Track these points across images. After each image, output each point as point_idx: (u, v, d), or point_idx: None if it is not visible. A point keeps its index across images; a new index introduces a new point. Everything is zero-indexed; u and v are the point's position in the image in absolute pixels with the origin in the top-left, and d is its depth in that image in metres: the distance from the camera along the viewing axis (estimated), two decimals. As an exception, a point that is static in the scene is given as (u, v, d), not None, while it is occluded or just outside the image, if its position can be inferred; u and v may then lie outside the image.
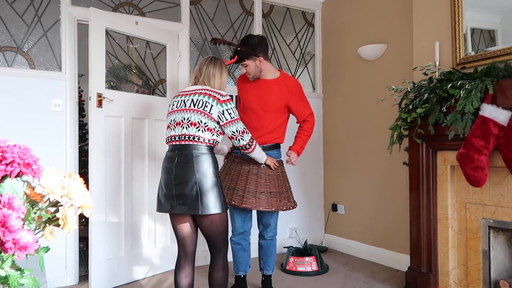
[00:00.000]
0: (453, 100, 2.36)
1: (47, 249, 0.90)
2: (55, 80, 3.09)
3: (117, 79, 3.49)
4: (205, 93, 2.18)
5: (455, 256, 2.62)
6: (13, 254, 0.78)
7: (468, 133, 2.28)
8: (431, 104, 2.49)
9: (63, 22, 3.11)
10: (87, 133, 3.82)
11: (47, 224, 0.88)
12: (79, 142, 3.44)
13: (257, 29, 3.98)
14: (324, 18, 4.36)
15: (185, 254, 2.23)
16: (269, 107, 2.65)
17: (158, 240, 3.37)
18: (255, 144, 2.33)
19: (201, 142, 2.13)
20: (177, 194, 2.10)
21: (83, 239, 3.80)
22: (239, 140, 2.24)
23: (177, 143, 2.17)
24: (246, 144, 2.27)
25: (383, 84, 3.46)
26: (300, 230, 4.14)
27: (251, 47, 2.57)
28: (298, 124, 2.80)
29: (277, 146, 2.75)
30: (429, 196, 2.69)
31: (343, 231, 4.06)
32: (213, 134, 2.16)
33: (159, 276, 3.30)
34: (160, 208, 2.21)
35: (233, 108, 2.19)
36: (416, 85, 2.63)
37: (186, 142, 2.14)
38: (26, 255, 0.79)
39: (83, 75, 3.63)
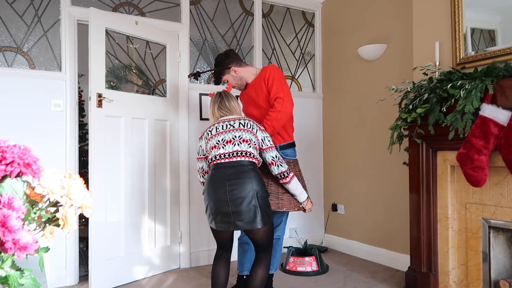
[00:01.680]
0: (453, 100, 2.36)
1: (47, 249, 0.90)
2: (55, 80, 3.09)
3: (117, 79, 3.50)
4: (247, 119, 2.34)
5: (455, 256, 2.62)
6: (13, 254, 0.78)
7: (468, 133, 2.28)
8: (431, 104, 2.48)
9: (63, 22, 3.11)
10: (87, 133, 3.82)
11: (47, 224, 0.88)
12: (79, 142, 3.44)
13: (257, 29, 3.98)
14: (324, 18, 4.36)
15: (225, 252, 2.38)
16: (258, 102, 2.69)
17: (158, 240, 3.37)
18: (293, 175, 2.37)
19: (252, 158, 2.23)
20: (234, 210, 2.14)
21: (83, 239, 3.80)
22: (278, 166, 2.31)
23: (228, 160, 2.21)
24: (285, 172, 2.33)
25: (383, 84, 3.47)
26: (300, 230, 4.14)
27: (220, 63, 2.74)
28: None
29: (291, 145, 2.75)
30: (429, 196, 2.69)
31: (343, 231, 4.06)
32: (258, 153, 2.29)
33: (159, 276, 3.30)
34: (218, 225, 2.23)
35: (270, 137, 2.36)
36: (416, 85, 2.63)
37: (239, 158, 2.20)
38: (26, 255, 0.79)
39: (83, 75, 3.63)
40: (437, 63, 2.68)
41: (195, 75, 2.89)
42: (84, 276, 3.22)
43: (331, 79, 4.25)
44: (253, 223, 2.15)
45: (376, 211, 3.68)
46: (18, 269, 0.84)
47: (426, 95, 2.51)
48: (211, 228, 2.32)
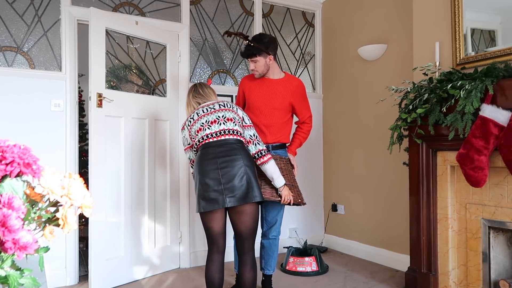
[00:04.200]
0: (453, 101, 2.36)
1: (47, 249, 0.90)
2: (55, 80, 3.09)
3: (117, 79, 3.49)
4: (225, 101, 2.37)
5: (455, 256, 2.62)
6: (13, 254, 0.78)
7: (468, 133, 2.28)
8: (431, 105, 2.48)
9: (63, 22, 3.11)
10: (87, 133, 3.82)
11: (47, 224, 0.88)
12: (79, 142, 3.45)
13: (257, 29, 3.97)
14: (324, 18, 4.36)
15: (218, 250, 2.28)
16: (276, 105, 2.70)
17: (158, 240, 3.37)
18: (270, 157, 2.34)
19: (238, 136, 2.25)
20: (227, 187, 2.12)
21: (83, 239, 3.80)
22: (255, 144, 2.31)
23: (215, 139, 2.22)
24: (262, 150, 2.31)
25: (383, 84, 3.46)
26: (300, 230, 4.14)
27: (264, 44, 2.63)
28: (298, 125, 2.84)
29: (283, 146, 2.78)
30: (429, 196, 2.69)
31: (343, 231, 4.06)
32: (244, 133, 2.31)
33: (159, 276, 3.30)
34: (206, 206, 2.15)
35: (248, 117, 2.41)
36: (416, 85, 2.63)
37: (226, 137, 2.22)
38: (26, 255, 0.79)
39: (83, 75, 3.63)
40: (437, 64, 2.68)
41: (231, 34, 2.67)
42: (84, 276, 3.22)
43: (331, 79, 4.25)
44: (245, 198, 2.13)
45: (376, 211, 3.68)
46: (18, 269, 0.84)
47: (426, 96, 2.51)
48: (202, 218, 2.24)
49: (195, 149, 2.35)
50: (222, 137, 2.21)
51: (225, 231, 2.30)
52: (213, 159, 2.16)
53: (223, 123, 2.24)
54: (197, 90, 2.45)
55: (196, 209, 2.24)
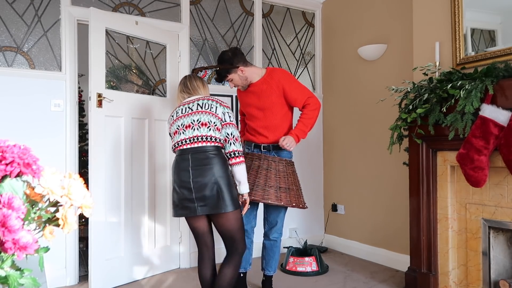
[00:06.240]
0: (453, 100, 2.36)
1: (47, 249, 0.89)
2: (55, 80, 3.09)
3: (117, 79, 3.49)
4: (208, 98, 2.29)
5: (455, 256, 2.62)
6: (13, 254, 0.78)
7: (468, 133, 2.28)
8: (431, 104, 2.48)
9: (63, 22, 3.11)
10: (87, 133, 3.82)
11: (47, 224, 0.88)
12: (79, 142, 3.44)
13: (257, 29, 3.98)
14: (324, 18, 4.36)
15: (207, 250, 2.30)
16: (264, 104, 2.70)
17: (158, 240, 3.37)
18: (242, 160, 2.28)
19: (213, 142, 2.19)
20: (198, 196, 2.13)
21: (83, 239, 3.80)
22: (230, 144, 2.24)
23: (189, 146, 2.19)
24: (236, 151, 2.24)
25: (383, 84, 3.46)
26: (300, 230, 4.14)
27: (227, 62, 2.66)
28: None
29: None
30: (429, 197, 2.69)
31: (343, 231, 4.06)
32: (221, 134, 2.23)
33: (158, 276, 3.30)
34: (180, 212, 2.21)
35: (232, 114, 2.30)
36: (416, 85, 2.63)
37: (199, 144, 2.17)
38: (26, 255, 0.79)
39: (83, 75, 3.63)
40: (437, 63, 2.68)
41: (197, 70, 2.74)
42: (84, 276, 3.22)
43: (331, 79, 4.25)
44: (216, 208, 2.13)
45: (376, 211, 3.68)
46: (18, 269, 0.84)
47: (426, 95, 2.51)
48: (186, 219, 2.27)
49: (173, 150, 2.33)
50: (196, 144, 2.17)
51: (211, 229, 2.32)
52: (187, 167, 2.16)
53: (197, 129, 2.19)
54: (185, 83, 2.38)
55: (172, 213, 2.29)
